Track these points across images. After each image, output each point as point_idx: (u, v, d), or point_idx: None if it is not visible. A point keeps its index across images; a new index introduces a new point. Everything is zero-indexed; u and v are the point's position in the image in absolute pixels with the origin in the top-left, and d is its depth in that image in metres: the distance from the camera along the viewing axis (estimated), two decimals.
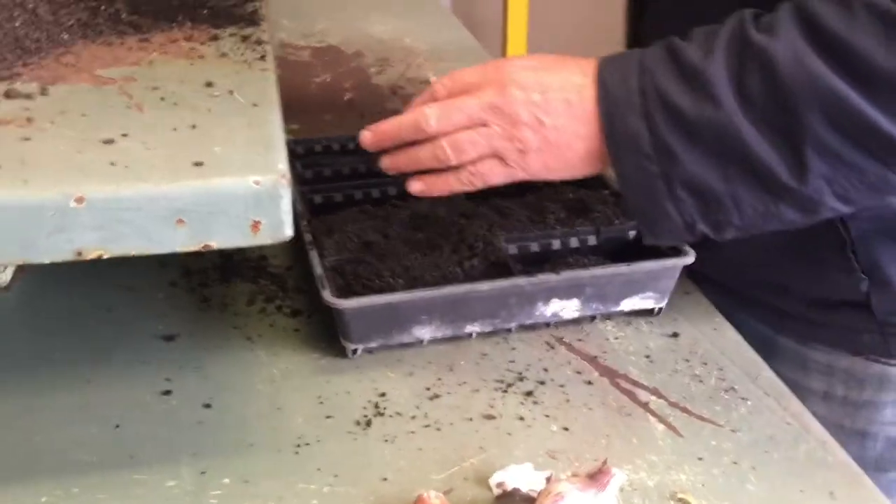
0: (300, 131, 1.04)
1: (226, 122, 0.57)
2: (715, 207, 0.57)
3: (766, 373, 0.66)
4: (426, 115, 0.60)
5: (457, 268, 0.69)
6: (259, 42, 0.73)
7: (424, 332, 0.69)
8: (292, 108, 1.01)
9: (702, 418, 0.62)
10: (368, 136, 0.64)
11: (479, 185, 0.62)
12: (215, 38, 0.73)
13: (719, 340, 0.70)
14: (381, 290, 0.67)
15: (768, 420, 0.61)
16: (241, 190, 0.50)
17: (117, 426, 0.61)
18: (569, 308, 0.71)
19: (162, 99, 0.60)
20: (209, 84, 0.63)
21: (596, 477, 0.49)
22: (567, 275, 0.68)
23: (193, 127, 0.56)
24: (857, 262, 0.68)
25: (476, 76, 0.61)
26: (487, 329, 0.70)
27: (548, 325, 0.71)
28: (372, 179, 0.84)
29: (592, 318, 0.72)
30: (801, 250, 0.70)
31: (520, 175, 0.61)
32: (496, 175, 0.61)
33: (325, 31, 1.46)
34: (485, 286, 0.67)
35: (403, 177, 0.67)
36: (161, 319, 0.72)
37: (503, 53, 2.52)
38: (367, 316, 0.66)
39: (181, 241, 0.51)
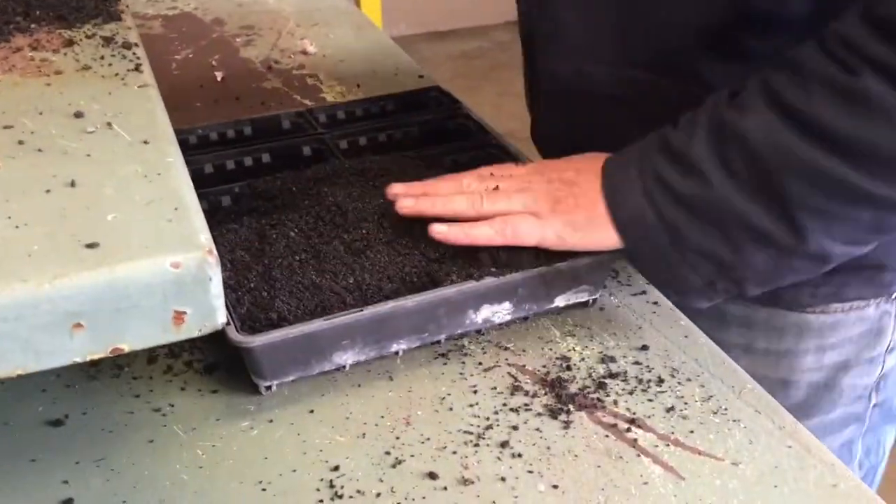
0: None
1: (113, 174, 0.44)
2: (729, 270, 0.59)
3: (750, 384, 0.61)
4: (470, 182, 0.65)
5: (376, 278, 0.61)
6: (128, 45, 0.60)
7: (346, 358, 0.60)
8: None
9: (698, 452, 0.55)
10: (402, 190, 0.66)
11: (509, 237, 0.62)
12: (70, 42, 0.59)
13: (692, 349, 0.64)
14: (293, 318, 0.58)
15: (767, 445, 0.56)
16: (155, 278, 0.38)
17: None
18: (501, 312, 0.64)
19: (20, 143, 0.47)
20: (78, 114, 0.50)
21: None
22: (499, 279, 0.61)
23: (72, 185, 0.43)
24: None
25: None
26: (415, 345, 0.63)
27: (479, 331, 0.65)
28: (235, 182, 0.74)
29: (525, 318, 0.66)
30: None
31: (545, 231, 0.62)
32: (527, 229, 0.62)
33: None
34: (411, 301, 0.59)
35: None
36: (42, 397, 0.59)
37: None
38: (281, 350, 0.57)
39: (80, 350, 0.39)
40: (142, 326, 0.39)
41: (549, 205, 0.62)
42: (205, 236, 0.40)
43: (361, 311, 0.58)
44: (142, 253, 0.38)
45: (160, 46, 1.12)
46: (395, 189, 0.65)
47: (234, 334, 0.56)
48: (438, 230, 0.62)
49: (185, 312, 0.39)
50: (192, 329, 0.40)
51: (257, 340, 0.56)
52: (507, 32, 3.38)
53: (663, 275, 0.61)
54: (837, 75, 0.54)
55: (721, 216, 0.57)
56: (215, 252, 0.39)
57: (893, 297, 0.74)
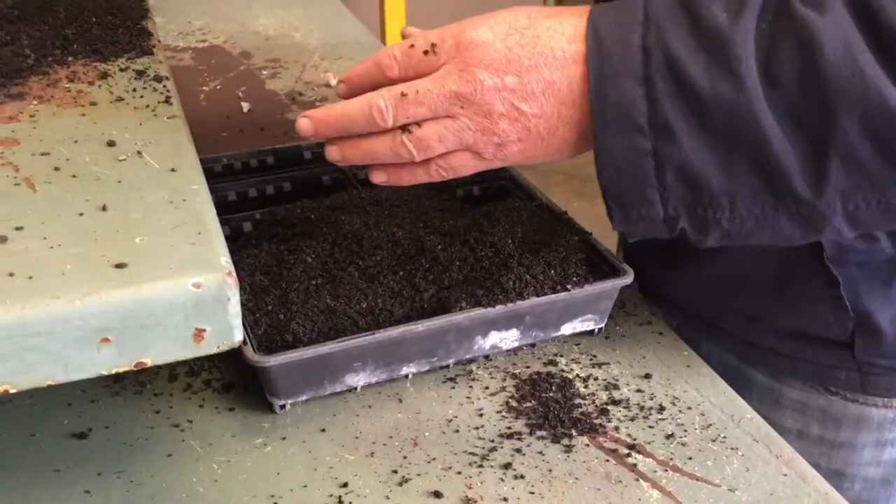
0: None
1: (142, 200, 0.47)
2: (706, 203, 0.48)
3: (749, 414, 0.62)
4: (380, 109, 0.50)
5: (389, 303, 0.64)
6: (158, 78, 0.63)
7: (358, 379, 0.63)
8: None
9: (696, 478, 0.57)
10: (307, 126, 0.53)
11: (449, 177, 0.54)
12: (104, 75, 0.63)
13: (694, 378, 0.66)
14: (308, 340, 0.60)
15: (764, 473, 0.57)
16: (178, 297, 0.41)
17: None
18: (508, 339, 0.67)
19: (56, 169, 0.50)
20: (111, 143, 0.53)
21: None
22: (507, 306, 0.64)
23: (104, 209, 0.46)
24: (847, 302, 0.64)
25: (433, 49, 0.50)
26: (424, 368, 0.65)
27: (487, 357, 0.67)
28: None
29: (532, 345, 0.68)
30: (786, 284, 0.66)
31: (496, 165, 0.53)
32: (469, 168, 0.53)
33: (206, 28, 1.34)
34: (421, 326, 0.62)
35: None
36: (68, 411, 0.62)
37: (381, 33, 2.42)
38: (295, 370, 0.60)
39: (106, 363, 0.42)
40: (164, 342, 0.42)
41: (494, 149, 0.51)
42: (225, 259, 0.42)
43: (373, 334, 0.61)
44: (166, 273, 0.41)
45: (189, 77, 1.16)
46: (304, 126, 0.54)
47: (250, 354, 0.58)
48: (378, 180, 0.55)
49: (204, 330, 0.42)
50: (211, 346, 0.43)
51: (273, 360, 0.58)
52: None
53: (624, 191, 0.49)
54: None
55: (735, 131, 0.45)
56: (234, 274, 0.42)
57: None
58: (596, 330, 0.70)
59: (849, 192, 0.46)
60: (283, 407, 0.62)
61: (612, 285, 0.67)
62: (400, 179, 0.54)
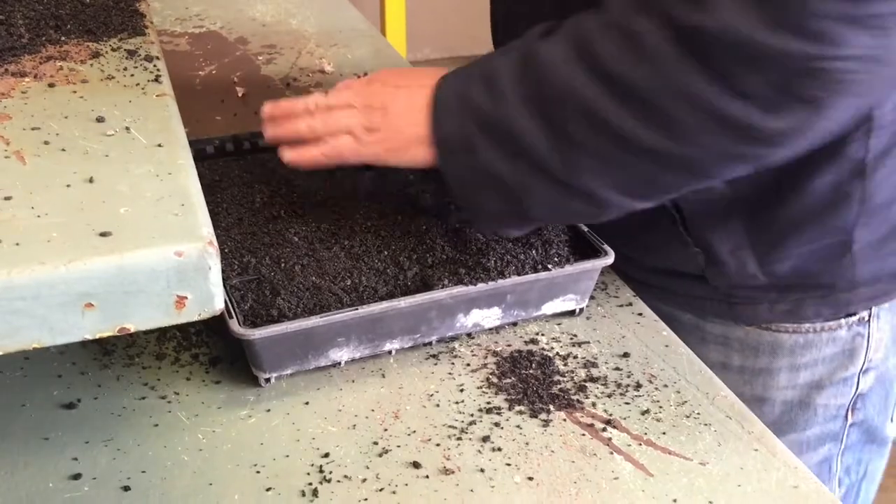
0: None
1: (128, 172, 0.48)
2: (514, 198, 0.60)
3: (724, 392, 0.64)
4: (314, 99, 0.67)
5: (373, 281, 0.65)
6: (149, 58, 0.64)
7: (342, 355, 0.65)
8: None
9: (668, 452, 0.58)
10: (268, 110, 0.69)
11: (334, 157, 0.66)
12: (96, 54, 0.64)
13: (671, 357, 0.67)
14: (293, 315, 0.62)
15: (735, 448, 0.59)
16: (160, 264, 0.42)
17: None
18: (490, 317, 0.68)
19: (46, 143, 0.51)
20: (100, 119, 0.54)
21: None
22: (489, 284, 0.65)
23: (90, 181, 0.47)
24: (689, 236, 0.71)
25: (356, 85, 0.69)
26: (408, 345, 0.67)
27: (470, 335, 0.69)
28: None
29: (514, 323, 0.70)
30: (644, 226, 0.71)
31: (363, 152, 0.65)
32: (348, 149, 0.66)
33: (203, 14, 1.35)
34: (403, 303, 0.63)
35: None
36: (57, 382, 0.63)
37: (382, 22, 2.42)
38: (280, 344, 0.61)
39: (90, 328, 0.43)
40: (147, 308, 0.43)
41: (365, 132, 0.65)
42: (207, 229, 0.44)
43: (356, 310, 0.62)
44: (149, 242, 0.42)
45: (186, 62, 1.17)
46: (265, 111, 0.69)
47: (236, 327, 0.60)
48: (287, 157, 0.67)
49: (186, 297, 0.43)
50: (193, 313, 0.44)
51: (258, 333, 0.60)
52: None
53: (466, 198, 0.63)
54: (628, 15, 0.55)
55: (506, 134, 0.58)
56: (216, 243, 0.43)
57: (866, 319, 0.73)
58: (577, 310, 0.71)
59: (600, 172, 0.58)
60: (268, 380, 0.63)
61: (592, 265, 0.68)
62: (301, 156, 0.67)
